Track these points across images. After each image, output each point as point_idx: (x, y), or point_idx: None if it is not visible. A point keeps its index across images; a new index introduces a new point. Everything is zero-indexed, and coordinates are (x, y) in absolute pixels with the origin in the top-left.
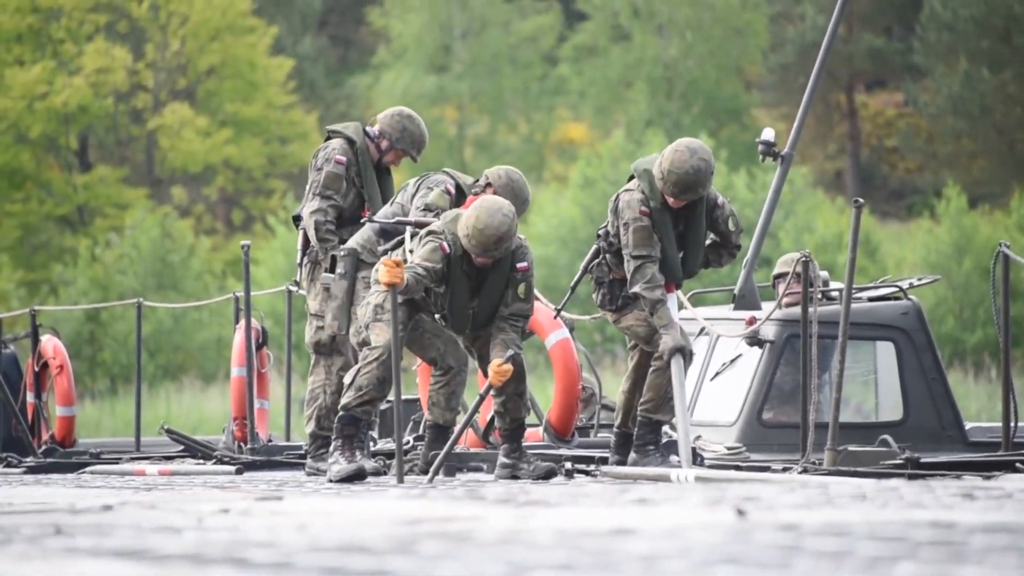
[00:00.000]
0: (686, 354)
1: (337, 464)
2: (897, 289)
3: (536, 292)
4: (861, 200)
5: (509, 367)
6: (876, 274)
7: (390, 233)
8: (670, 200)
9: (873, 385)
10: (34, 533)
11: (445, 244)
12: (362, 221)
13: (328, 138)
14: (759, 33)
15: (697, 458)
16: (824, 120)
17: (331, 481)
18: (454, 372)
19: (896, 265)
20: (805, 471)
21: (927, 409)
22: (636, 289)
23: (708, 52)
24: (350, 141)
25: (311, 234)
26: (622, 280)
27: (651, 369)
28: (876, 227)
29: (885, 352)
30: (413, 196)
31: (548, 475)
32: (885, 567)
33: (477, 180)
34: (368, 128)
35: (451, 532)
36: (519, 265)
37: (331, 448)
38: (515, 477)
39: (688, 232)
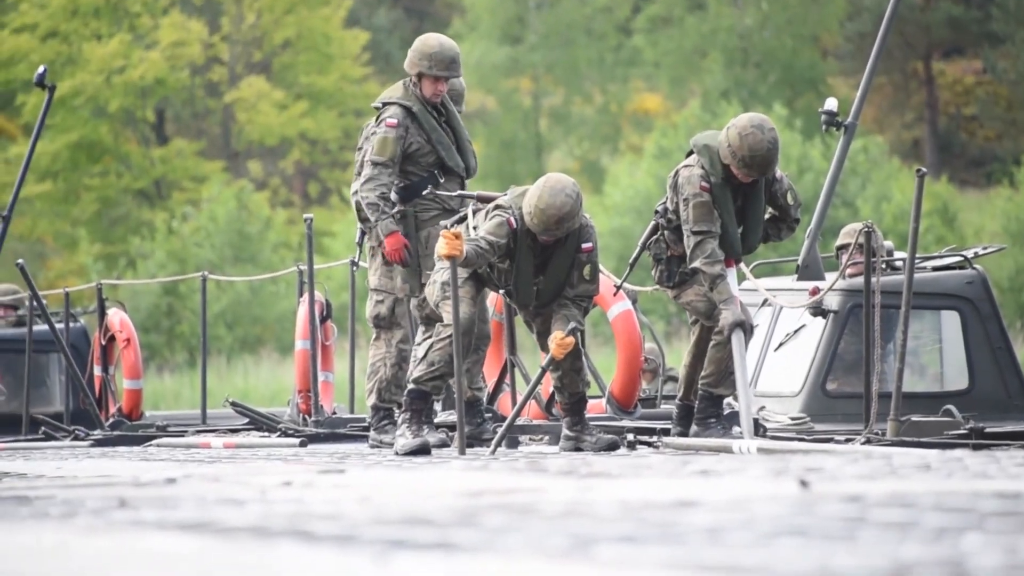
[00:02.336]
0: (746, 328)
1: (403, 437)
2: (962, 258)
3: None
4: (923, 169)
5: (571, 340)
6: (955, 243)
7: (407, 189)
8: (741, 176)
9: (938, 355)
10: (99, 506)
11: (512, 219)
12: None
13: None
14: (835, 1)
15: (759, 429)
16: (901, 88)
17: (396, 454)
18: (473, 348)
19: (975, 233)
20: (868, 442)
21: (992, 378)
22: (696, 264)
23: (784, 21)
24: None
25: (356, 213)
26: (680, 257)
27: (711, 344)
28: (955, 195)
29: (950, 321)
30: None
31: (611, 447)
32: (952, 538)
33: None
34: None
35: (514, 504)
36: (584, 246)
37: (399, 421)
38: (578, 449)
39: (748, 207)
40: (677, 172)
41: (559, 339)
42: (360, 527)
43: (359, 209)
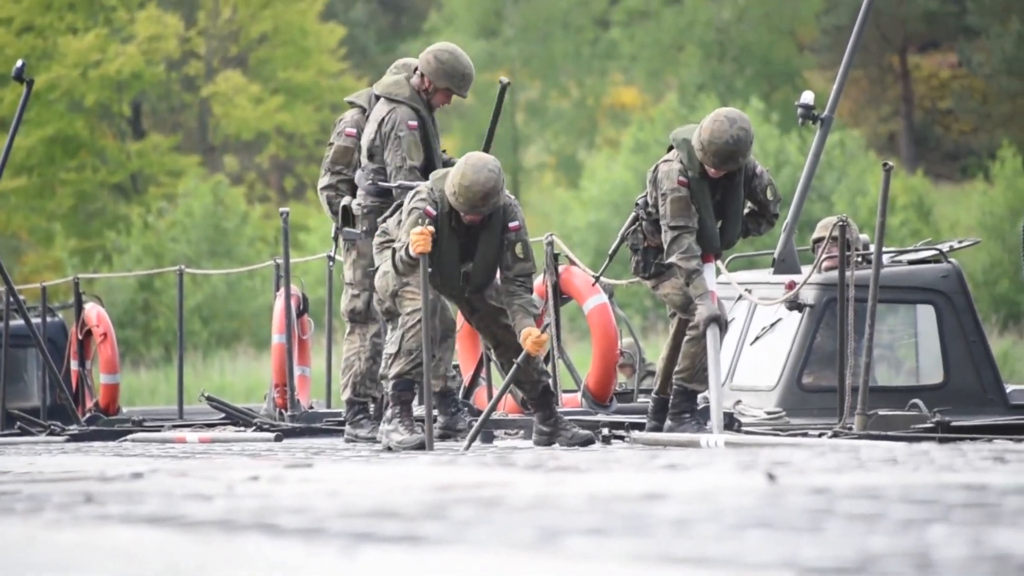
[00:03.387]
0: (721, 324)
1: (397, 433)
2: (937, 252)
3: (574, 257)
4: (890, 164)
5: (546, 336)
6: (931, 236)
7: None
8: (710, 170)
9: (913, 349)
10: (65, 501)
11: (428, 207)
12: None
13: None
14: None
15: (734, 424)
16: (877, 82)
17: (389, 449)
18: (441, 337)
19: (951, 227)
20: (836, 435)
21: (968, 372)
22: (672, 259)
23: (761, 15)
24: (363, 110)
25: (325, 209)
26: (656, 248)
27: (686, 338)
28: (930, 189)
29: (925, 315)
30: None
31: (586, 443)
32: (918, 529)
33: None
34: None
35: (482, 497)
36: (511, 225)
37: (388, 415)
38: (552, 444)
39: (726, 201)
40: (657, 167)
41: (535, 336)
42: (327, 520)
43: (330, 204)
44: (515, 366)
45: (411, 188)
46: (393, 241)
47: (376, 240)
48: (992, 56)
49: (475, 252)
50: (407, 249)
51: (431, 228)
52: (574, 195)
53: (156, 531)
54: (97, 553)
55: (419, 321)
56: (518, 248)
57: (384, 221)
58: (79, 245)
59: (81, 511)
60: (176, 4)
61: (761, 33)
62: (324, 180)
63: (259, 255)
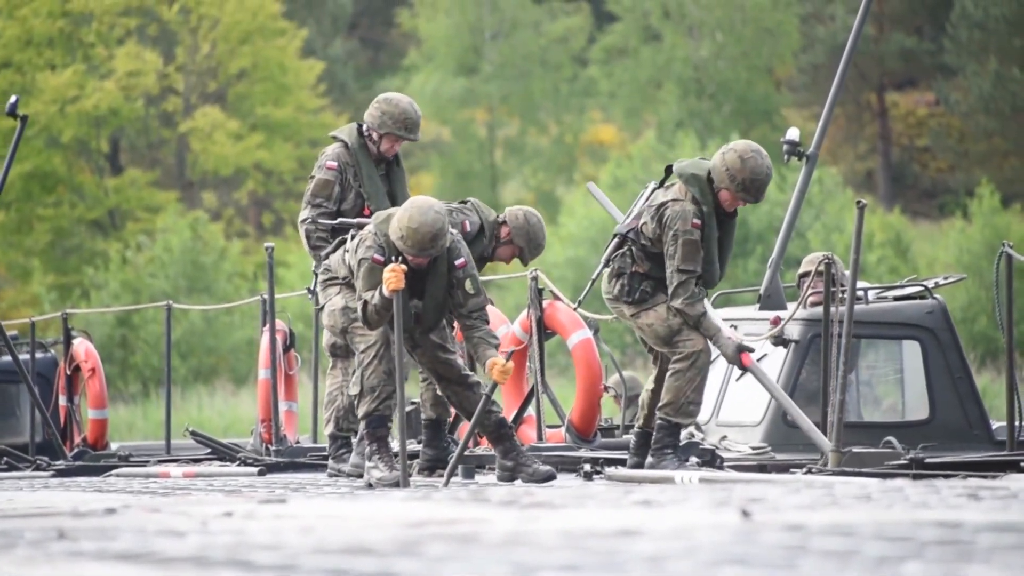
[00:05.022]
0: (748, 349)
1: (377, 470)
2: (923, 288)
3: (555, 290)
4: (863, 201)
5: (512, 364)
6: (908, 274)
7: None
8: (734, 200)
9: (899, 384)
10: (37, 537)
11: (376, 255)
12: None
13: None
14: (790, 33)
15: (715, 460)
16: (855, 120)
17: (370, 486)
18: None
19: (928, 265)
20: (810, 471)
21: (953, 408)
22: (677, 304)
23: (739, 53)
24: (345, 144)
25: (303, 242)
26: (643, 274)
27: (668, 373)
28: (908, 227)
29: (911, 351)
30: None
31: (547, 479)
32: (892, 567)
33: (498, 217)
34: (363, 123)
35: (456, 534)
36: (457, 263)
37: (366, 452)
38: (514, 479)
39: (724, 237)
40: (664, 204)
41: (502, 365)
42: (300, 556)
43: (307, 237)
44: (484, 397)
45: (353, 225)
46: (336, 278)
47: (321, 278)
48: (969, 95)
49: (423, 292)
50: (380, 291)
51: (404, 266)
52: (552, 231)
53: (129, 567)
54: None
55: (375, 357)
56: (468, 284)
57: (326, 258)
58: (57, 281)
59: (53, 548)
60: (155, 40)
61: (739, 71)
62: (304, 213)
63: (238, 291)
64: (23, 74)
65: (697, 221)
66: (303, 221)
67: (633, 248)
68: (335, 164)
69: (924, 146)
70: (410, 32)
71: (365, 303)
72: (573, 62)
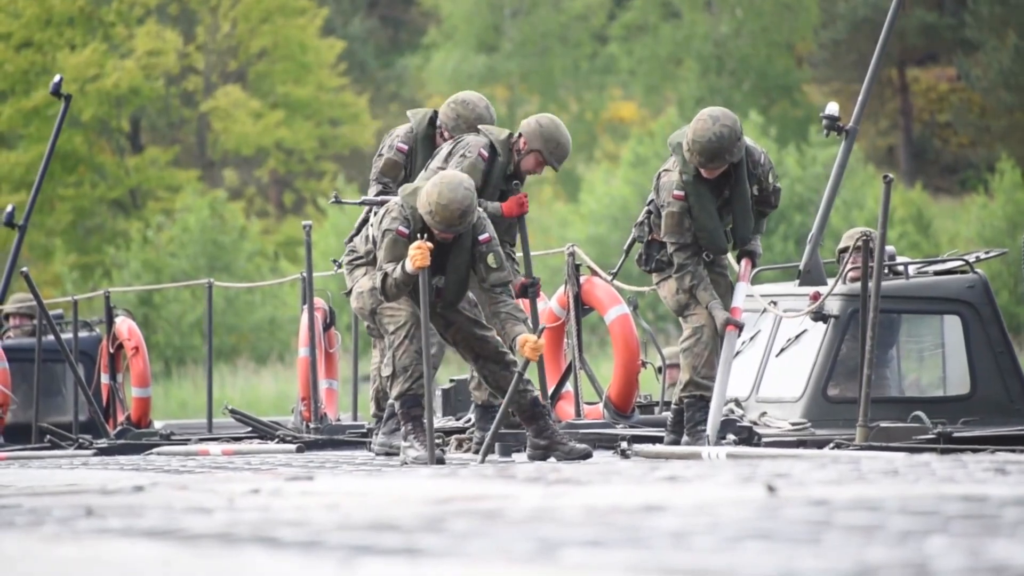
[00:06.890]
0: (739, 326)
1: (413, 449)
2: (963, 263)
3: (596, 267)
4: (890, 175)
5: (543, 341)
6: (929, 250)
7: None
8: (702, 171)
9: (940, 359)
10: (66, 515)
11: (401, 228)
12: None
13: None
14: (810, 9)
15: (754, 437)
16: (876, 96)
17: (404, 464)
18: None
19: (950, 240)
20: (838, 447)
21: (995, 383)
22: (672, 274)
23: (759, 29)
24: (411, 129)
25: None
26: (660, 243)
27: (680, 348)
28: (929, 202)
29: (952, 326)
30: (446, 159)
31: (583, 456)
32: (916, 541)
33: (511, 134)
34: (437, 113)
35: (481, 510)
36: (481, 238)
37: (403, 432)
38: (547, 458)
39: (734, 198)
40: (659, 175)
41: (533, 342)
42: (326, 533)
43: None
44: (517, 375)
45: (376, 203)
46: (361, 258)
47: (345, 259)
48: (990, 70)
49: (446, 266)
50: (403, 266)
51: (430, 244)
52: (573, 209)
53: (155, 545)
54: (96, 567)
55: (406, 337)
56: (490, 259)
57: (350, 240)
58: (78, 260)
59: (81, 525)
60: (175, 19)
61: (759, 47)
62: (372, 191)
63: (258, 270)
64: (44, 54)
65: (679, 192)
66: (366, 201)
67: (652, 216)
68: (405, 147)
69: (945, 122)
70: (430, 10)
71: (385, 275)
72: (593, 39)
